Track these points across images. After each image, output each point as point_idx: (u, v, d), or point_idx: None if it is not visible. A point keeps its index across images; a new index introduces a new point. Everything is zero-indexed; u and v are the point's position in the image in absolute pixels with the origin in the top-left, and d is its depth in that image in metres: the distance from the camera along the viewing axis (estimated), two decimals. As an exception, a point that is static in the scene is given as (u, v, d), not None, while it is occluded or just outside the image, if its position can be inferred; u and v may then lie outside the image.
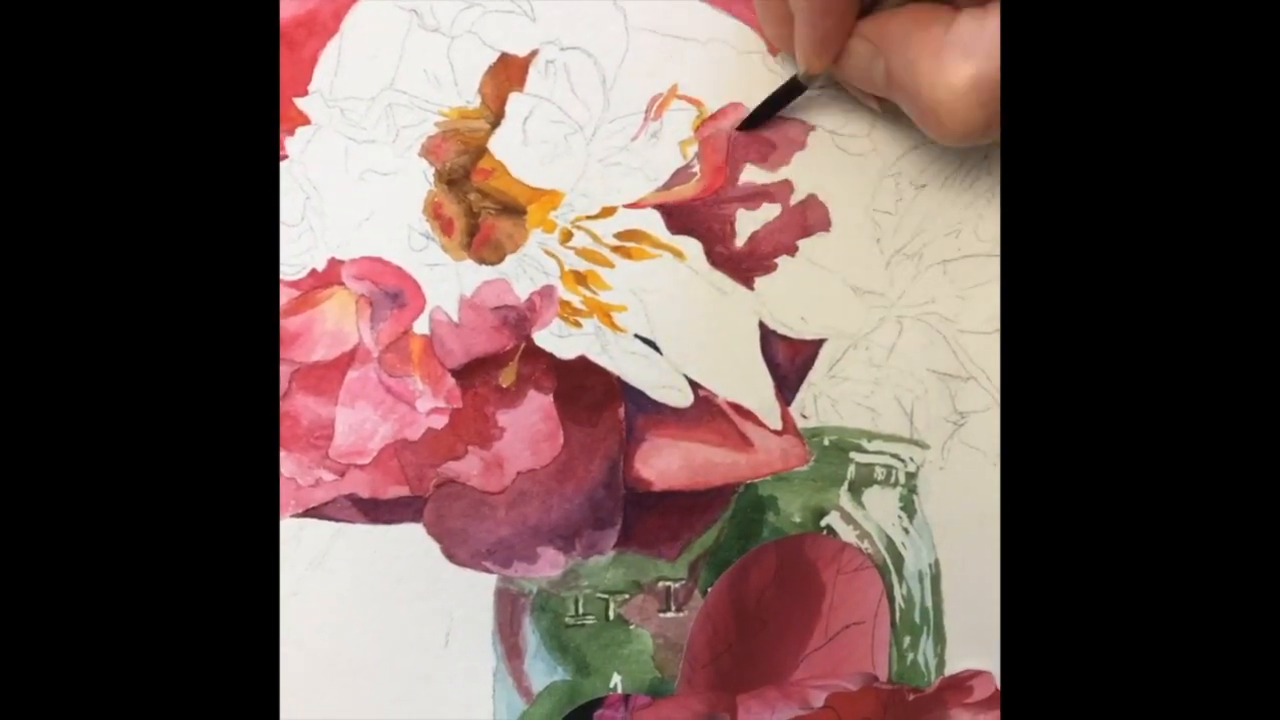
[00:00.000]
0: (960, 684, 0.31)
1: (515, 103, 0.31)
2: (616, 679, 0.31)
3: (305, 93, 0.31)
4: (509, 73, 0.31)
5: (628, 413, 0.31)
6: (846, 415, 0.31)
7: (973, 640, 0.31)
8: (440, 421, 0.31)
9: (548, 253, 0.31)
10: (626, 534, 0.31)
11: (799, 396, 0.31)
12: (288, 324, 0.31)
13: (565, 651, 0.31)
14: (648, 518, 0.31)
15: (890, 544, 0.31)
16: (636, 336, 0.31)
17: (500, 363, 0.31)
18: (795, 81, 0.30)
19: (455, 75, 0.31)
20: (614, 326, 0.31)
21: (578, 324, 0.31)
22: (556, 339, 0.31)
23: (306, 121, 0.31)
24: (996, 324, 0.31)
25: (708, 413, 0.31)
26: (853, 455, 0.31)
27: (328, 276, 0.31)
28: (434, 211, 0.31)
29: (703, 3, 0.31)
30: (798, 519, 0.31)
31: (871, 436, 0.31)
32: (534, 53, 0.31)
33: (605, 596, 0.31)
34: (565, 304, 0.31)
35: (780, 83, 0.31)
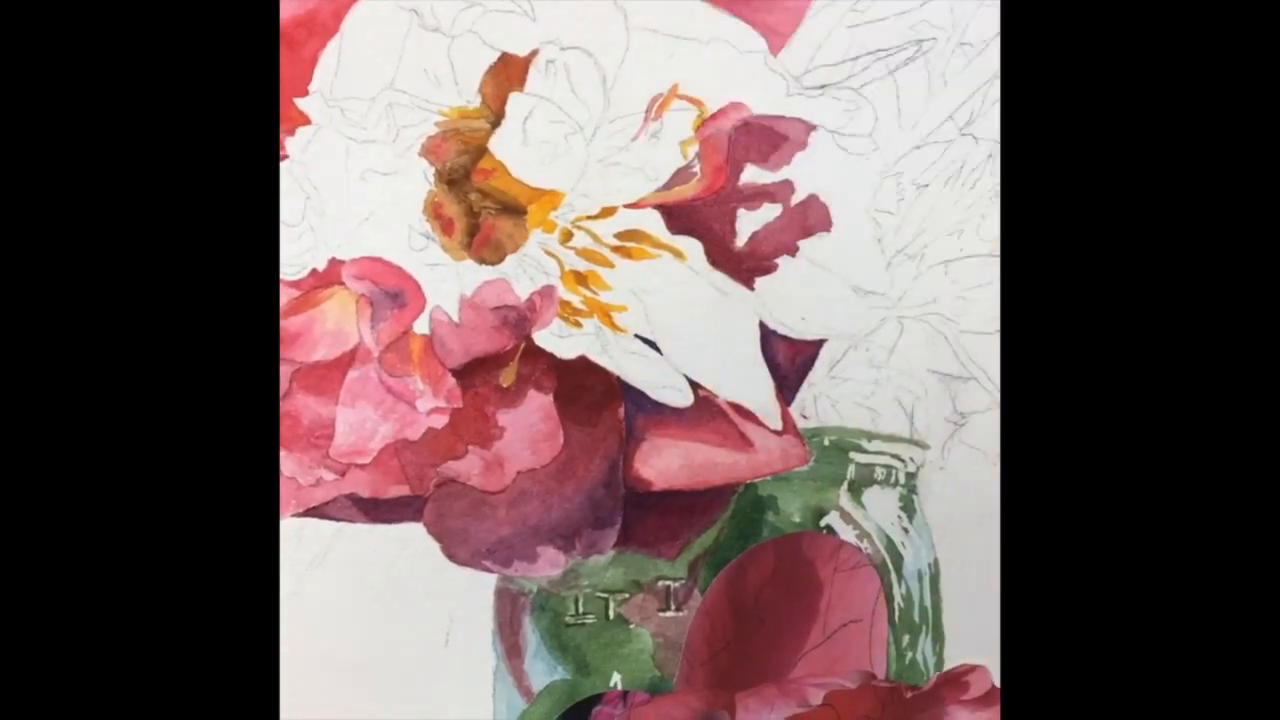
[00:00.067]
0: (957, 680, 0.31)
1: (515, 103, 0.31)
2: (616, 678, 0.31)
3: (305, 93, 0.31)
4: (509, 72, 0.31)
5: (628, 413, 0.31)
6: (846, 415, 0.31)
7: (972, 639, 0.31)
8: (440, 421, 0.31)
9: (548, 253, 0.31)
10: (626, 533, 0.31)
11: (799, 397, 0.31)
12: (288, 324, 0.31)
13: (565, 651, 0.31)
14: (647, 517, 0.31)
15: (890, 544, 0.31)
16: (637, 336, 0.31)
17: (500, 363, 0.31)
18: None
19: (455, 75, 0.31)
20: (614, 326, 0.31)
21: (578, 324, 0.31)
22: (557, 339, 0.31)
23: (307, 121, 0.31)
24: (997, 324, 0.31)
25: (708, 413, 0.31)
26: (853, 455, 0.31)
27: (328, 276, 0.31)
28: (434, 211, 0.31)
29: (703, 3, 0.31)
30: (797, 519, 0.31)
31: (871, 437, 0.31)
32: (534, 52, 0.31)
33: (605, 596, 0.31)
34: (565, 304, 0.31)
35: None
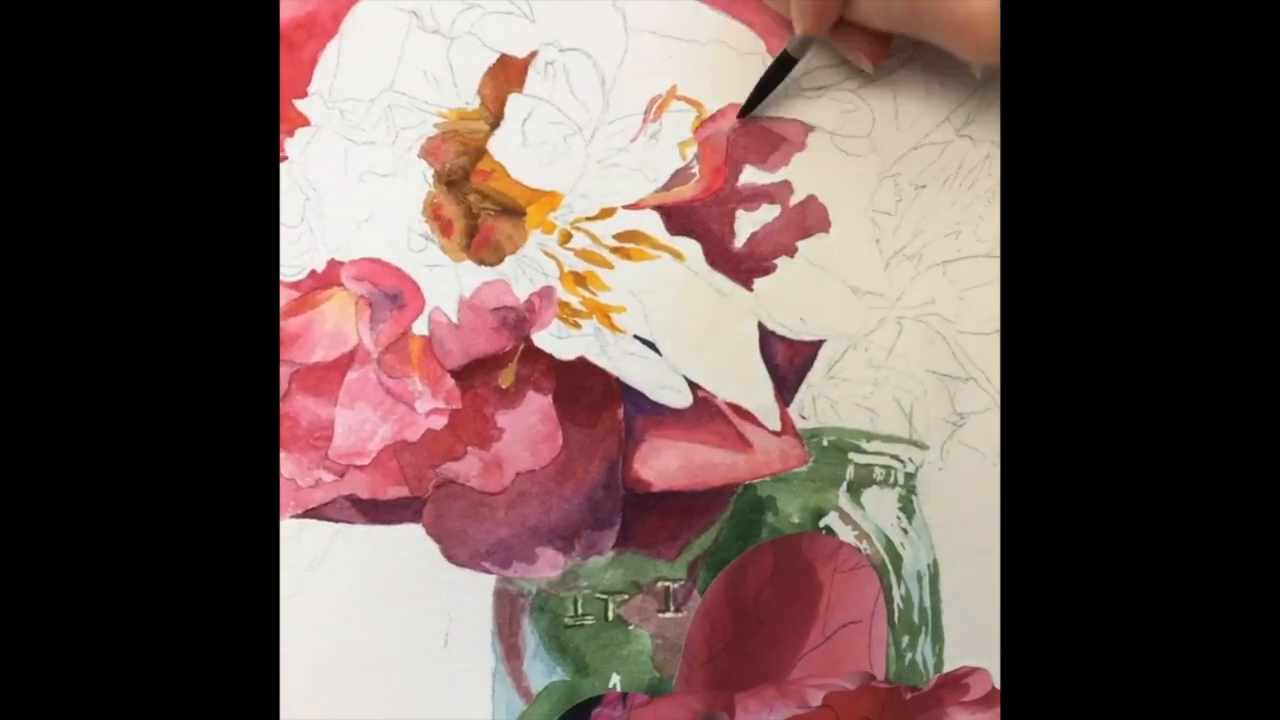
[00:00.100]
0: (957, 682, 0.31)
1: (515, 104, 0.31)
2: (615, 679, 0.31)
3: (305, 94, 0.31)
4: (508, 74, 0.31)
5: (627, 413, 0.31)
6: (845, 416, 0.31)
7: (971, 641, 0.31)
8: (440, 422, 0.31)
9: (547, 254, 0.31)
10: (625, 534, 0.31)
11: (798, 397, 0.31)
12: (287, 325, 0.31)
13: (564, 652, 0.31)
14: (647, 518, 0.31)
15: (889, 544, 0.31)
16: (636, 337, 0.31)
17: (499, 363, 0.31)
18: (786, 56, 0.30)
19: (455, 76, 0.31)
20: (613, 327, 0.31)
21: (577, 325, 0.31)
22: (556, 340, 0.31)
23: (306, 123, 0.31)
24: (996, 325, 0.31)
25: (707, 413, 0.31)
26: (852, 456, 0.31)
27: (327, 277, 0.31)
28: (433, 213, 0.31)
29: (702, 3, 0.31)
30: (797, 519, 0.31)
31: (870, 437, 0.31)
32: (533, 54, 0.31)
33: (604, 597, 0.31)
34: (564, 305, 0.31)
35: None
